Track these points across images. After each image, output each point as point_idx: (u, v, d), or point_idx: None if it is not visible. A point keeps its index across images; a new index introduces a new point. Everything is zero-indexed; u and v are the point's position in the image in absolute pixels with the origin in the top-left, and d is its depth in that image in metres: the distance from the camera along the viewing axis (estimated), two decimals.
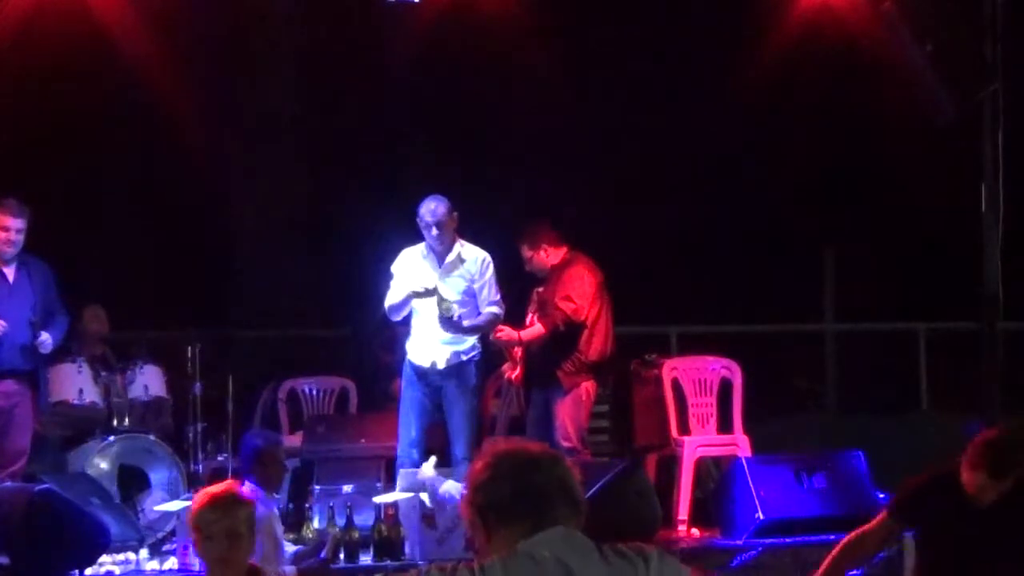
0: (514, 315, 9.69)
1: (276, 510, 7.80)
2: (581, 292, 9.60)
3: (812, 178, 13.31)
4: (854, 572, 6.71)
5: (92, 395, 9.80)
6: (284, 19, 13.05)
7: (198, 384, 10.05)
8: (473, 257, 9.31)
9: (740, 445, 10.05)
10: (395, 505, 8.57)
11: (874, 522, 6.40)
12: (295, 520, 9.18)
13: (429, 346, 9.24)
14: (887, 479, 9.89)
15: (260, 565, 6.00)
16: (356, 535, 8.43)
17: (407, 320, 9.32)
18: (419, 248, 9.32)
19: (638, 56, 12.71)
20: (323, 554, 7.88)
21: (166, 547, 9.26)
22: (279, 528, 7.69)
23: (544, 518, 3.76)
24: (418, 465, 9.22)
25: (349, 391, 11.02)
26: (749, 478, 9.38)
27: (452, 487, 8.33)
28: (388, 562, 8.43)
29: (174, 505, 8.85)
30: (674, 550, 9.08)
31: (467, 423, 9.24)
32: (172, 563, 8.82)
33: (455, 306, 9.15)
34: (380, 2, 11.59)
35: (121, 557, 8.83)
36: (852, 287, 13.61)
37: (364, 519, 8.66)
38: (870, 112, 12.72)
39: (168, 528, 9.28)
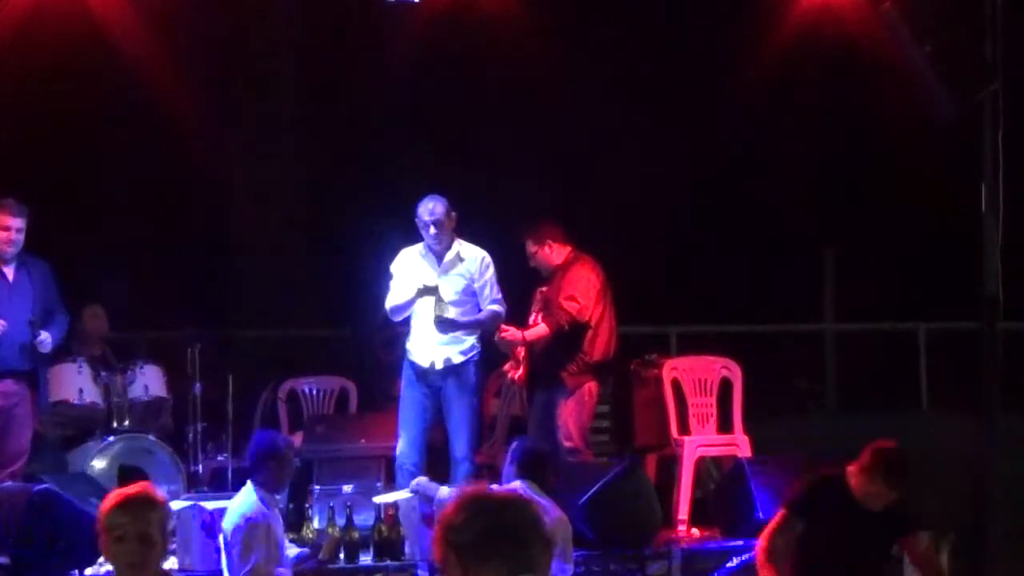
0: (515, 314, 9.69)
1: (279, 511, 7.79)
2: (585, 292, 9.60)
3: (812, 178, 13.31)
4: None
5: (92, 395, 9.80)
6: (284, 19, 13.05)
7: (198, 384, 10.06)
8: (472, 256, 9.31)
9: (740, 445, 10.05)
10: (395, 505, 8.57)
11: (776, 521, 7.07)
12: (295, 520, 9.17)
13: (429, 346, 9.24)
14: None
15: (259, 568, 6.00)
16: (356, 535, 8.43)
17: (407, 320, 9.32)
18: (418, 248, 9.32)
19: (638, 56, 12.71)
20: (313, 561, 7.88)
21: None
22: (279, 530, 7.68)
23: (521, 559, 3.80)
24: (418, 465, 9.22)
25: (349, 391, 11.02)
26: (749, 478, 9.39)
27: (447, 492, 8.32)
28: (388, 562, 8.43)
29: (174, 505, 8.84)
30: (674, 550, 9.10)
31: (467, 423, 9.24)
32: (172, 563, 8.81)
33: (449, 307, 9.15)
34: (380, 2, 11.59)
35: None
36: (852, 287, 13.61)
37: (364, 519, 8.66)
38: (870, 112, 12.71)
39: (168, 528, 9.26)
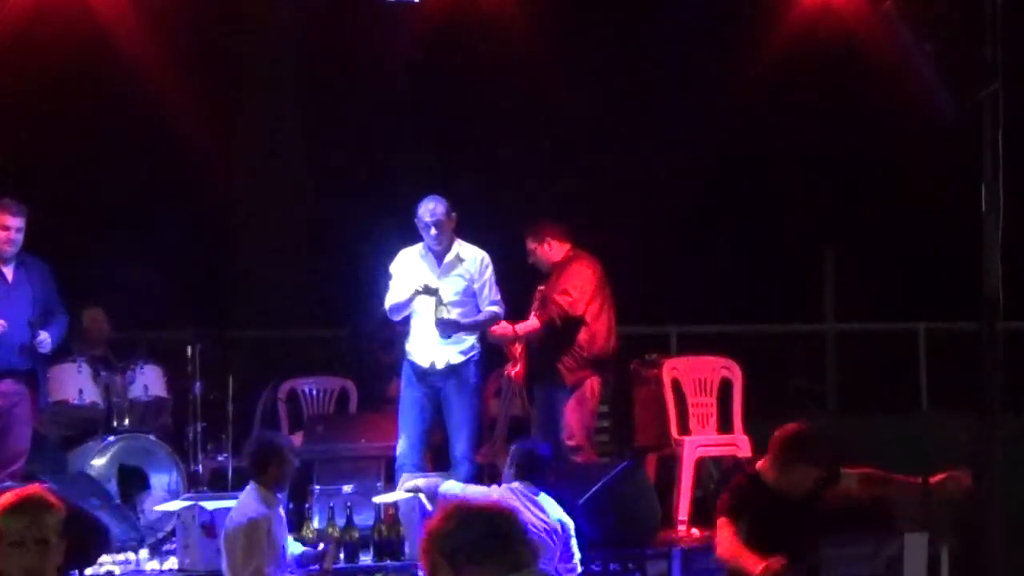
0: (516, 314, 9.69)
1: (280, 511, 7.79)
2: (578, 287, 9.60)
3: (812, 178, 13.30)
4: None
5: (92, 395, 9.81)
6: (284, 19, 13.04)
7: (198, 384, 10.06)
8: (472, 257, 9.31)
9: (740, 445, 10.06)
10: (395, 505, 8.57)
11: (730, 534, 6.94)
12: (295, 520, 9.18)
13: (428, 346, 9.24)
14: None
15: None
16: (356, 535, 8.43)
17: (406, 320, 9.32)
18: (417, 248, 9.32)
19: (638, 56, 12.70)
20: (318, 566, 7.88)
21: (166, 547, 9.27)
22: (280, 530, 7.68)
23: (516, 559, 3.88)
24: (418, 465, 9.22)
25: (349, 391, 11.02)
26: None
27: (452, 486, 8.32)
28: (388, 562, 8.43)
29: (174, 505, 8.85)
30: (674, 550, 9.10)
31: (466, 423, 9.24)
32: (172, 563, 8.82)
33: (450, 308, 9.15)
34: (380, 2, 11.59)
35: (121, 557, 8.84)
36: (852, 287, 13.60)
37: (364, 519, 8.66)
38: (870, 112, 12.71)
39: (168, 528, 9.28)
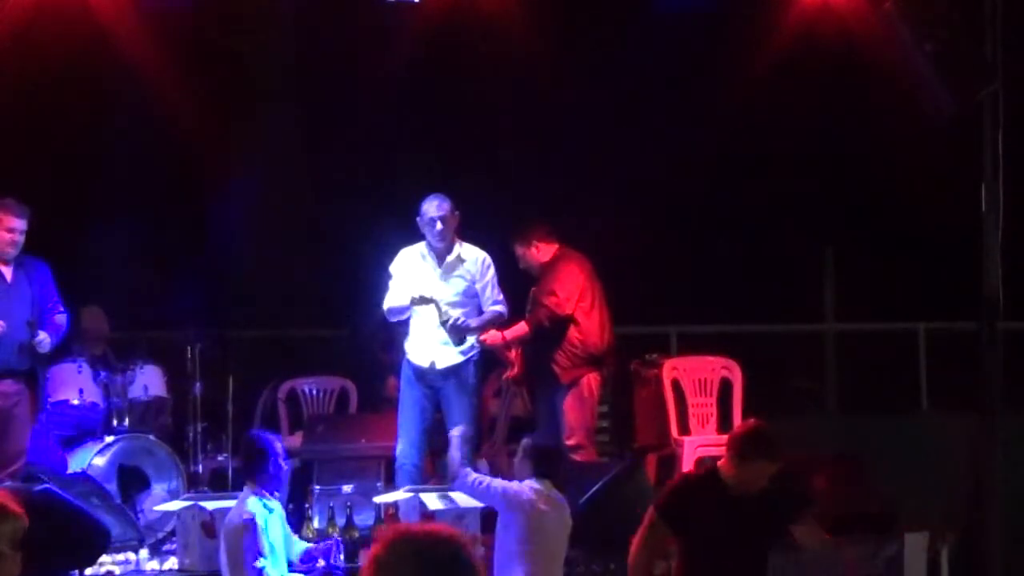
0: (517, 315, 9.69)
1: (280, 510, 7.79)
2: (564, 286, 9.60)
3: (812, 178, 13.29)
4: None
5: (92, 395, 9.81)
6: (284, 20, 13.03)
7: (198, 384, 10.07)
8: (473, 257, 9.31)
9: None
10: (395, 505, 8.57)
11: (644, 529, 6.91)
12: (295, 520, 9.17)
13: (428, 346, 9.24)
14: (887, 479, 9.90)
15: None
16: (356, 535, 8.43)
17: (406, 321, 9.32)
18: (418, 248, 9.32)
19: (638, 55, 12.69)
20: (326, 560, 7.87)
21: (166, 547, 9.27)
22: (279, 529, 7.68)
23: None
24: (418, 465, 9.22)
25: (349, 391, 11.02)
26: None
27: (477, 477, 8.28)
28: None
29: (174, 505, 8.86)
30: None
31: (467, 423, 9.24)
32: (172, 563, 8.83)
33: (450, 309, 9.15)
34: (380, 2, 11.58)
35: (121, 557, 8.84)
36: (852, 287, 13.60)
37: (364, 519, 8.66)
38: (870, 112, 12.70)
39: (168, 528, 9.28)
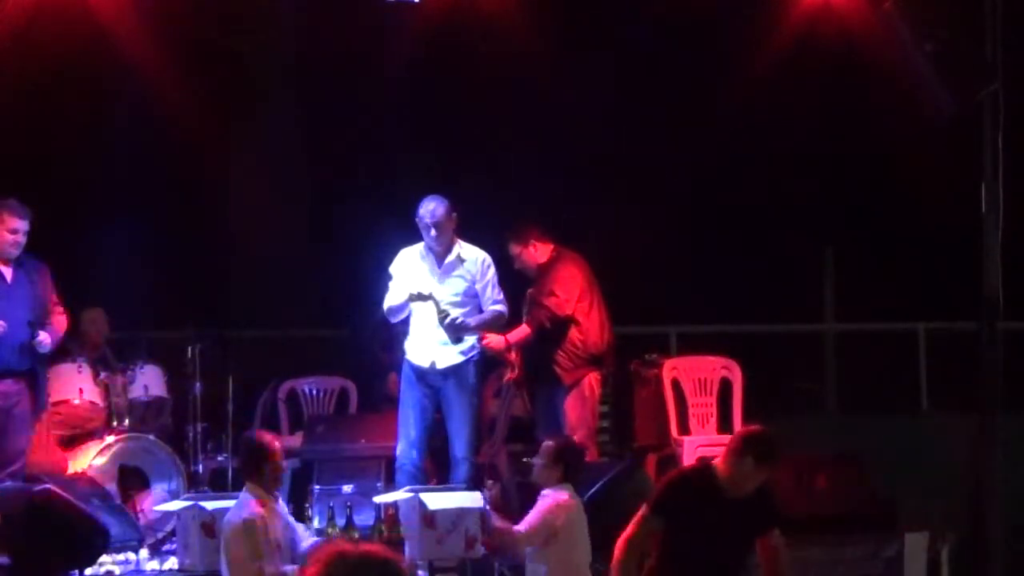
0: (517, 316, 9.69)
1: (280, 509, 7.79)
2: (564, 286, 9.60)
3: (812, 178, 13.30)
4: None
5: (92, 395, 9.81)
6: (284, 19, 13.03)
7: (198, 384, 10.07)
8: (473, 257, 9.30)
9: None
10: (395, 505, 8.57)
11: (636, 523, 7.00)
12: (295, 520, 9.18)
13: (428, 346, 9.24)
14: (887, 479, 9.90)
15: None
16: (356, 535, 8.42)
17: (406, 320, 9.32)
18: (418, 248, 9.32)
19: (638, 56, 12.69)
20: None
21: (166, 547, 9.28)
22: (279, 529, 7.68)
23: None
24: (418, 465, 9.22)
25: (349, 391, 11.02)
26: None
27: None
28: None
29: (174, 505, 8.85)
30: None
31: (466, 423, 9.24)
32: (172, 563, 8.83)
33: (449, 308, 9.15)
34: (380, 2, 11.58)
35: (121, 557, 8.85)
36: (852, 287, 13.60)
37: (364, 519, 8.65)
38: (870, 112, 12.70)
39: (168, 528, 9.29)
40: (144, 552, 9.04)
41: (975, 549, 8.96)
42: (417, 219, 9.20)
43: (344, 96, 12.77)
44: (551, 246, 9.82)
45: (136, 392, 10.00)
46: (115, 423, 9.91)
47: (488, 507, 8.23)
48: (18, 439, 9.21)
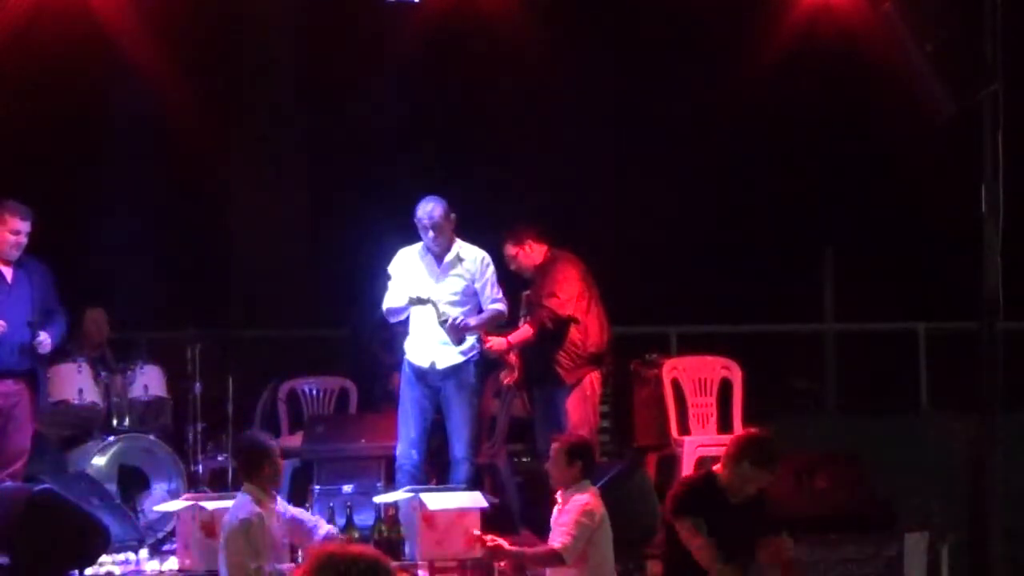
0: (515, 315, 9.68)
1: (279, 508, 7.79)
2: (564, 287, 9.59)
3: (812, 178, 13.30)
4: None
5: (92, 395, 9.81)
6: (284, 19, 13.05)
7: (198, 384, 10.06)
8: (472, 256, 9.30)
9: None
10: (395, 505, 8.57)
11: (692, 533, 7.11)
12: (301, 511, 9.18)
13: (428, 346, 9.23)
14: (887, 479, 9.90)
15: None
16: (356, 535, 8.43)
17: (406, 320, 9.32)
18: (417, 247, 9.32)
19: (639, 56, 12.70)
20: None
21: (166, 547, 9.28)
22: (278, 527, 7.68)
23: None
24: (418, 465, 9.22)
25: (349, 391, 11.02)
26: None
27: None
28: None
29: (174, 505, 8.86)
30: None
31: (466, 423, 9.24)
32: (172, 563, 8.83)
33: (448, 308, 9.15)
34: (380, 2, 11.59)
35: (121, 557, 8.85)
36: (852, 287, 13.60)
37: (364, 519, 8.65)
38: (870, 112, 12.71)
39: (168, 528, 9.29)
40: (144, 552, 9.04)
41: (975, 549, 8.96)
42: (415, 220, 9.20)
43: (344, 96, 12.78)
44: (546, 247, 9.82)
45: (136, 392, 10.00)
46: (115, 423, 9.91)
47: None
48: (18, 439, 9.20)
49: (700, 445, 10.10)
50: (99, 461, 9.66)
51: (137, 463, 9.79)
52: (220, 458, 10.20)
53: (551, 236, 9.91)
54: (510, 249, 9.81)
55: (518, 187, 12.42)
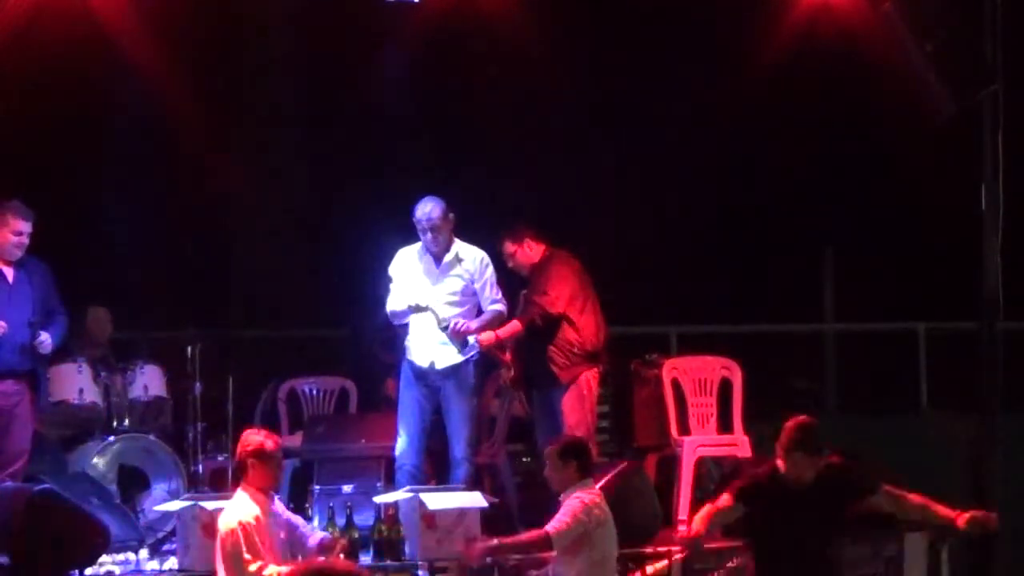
0: (510, 317, 9.68)
1: (277, 509, 7.79)
2: (556, 285, 9.60)
3: (812, 178, 13.30)
4: None
5: (92, 395, 9.81)
6: (284, 19, 13.04)
7: (198, 384, 10.06)
8: (471, 256, 9.31)
9: (740, 445, 10.06)
10: (395, 505, 8.57)
11: (720, 503, 7.56)
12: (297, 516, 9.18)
13: (427, 346, 9.24)
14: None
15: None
16: (356, 535, 8.43)
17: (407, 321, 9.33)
18: (416, 248, 9.32)
19: (639, 55, 12.70)
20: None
21: (166, 547, 9.28)
22: (275, 527, 7.68)
23: None
24: (417, 465, 9.22)
25: (349, 391, 11.02)
26: None
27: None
28: (388, 562, 8.43)
29: (174, 505, 8.85)
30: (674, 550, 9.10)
31: (466, 423, 9.24)
32: (172, 563, 8.83)
33: (452, 310, 9.16)
34: (380, 2, 11.59)
35: (121, 557, 8.85)
36: (852, 287, 13.60)
37: (364, 519, 8.66)
38: (870, 112, 12.71)
39: (168, 528, 9.29)
40: (144, 552, 9.04)
41: (975, 549, 8.96)
42: (414, 221, 9.20)
43: (344, 96, 12.78)
44: (544, 246, 9.82)
45: (136, 392, 10.00)
46: (115, 423, 9.91)
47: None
48: (19, 439, 9.20)
49: (700, 445, 10.09)
50: (99, 461, 9.66)
51: (137, 463, 9.79)
52: (220, 458, 10.20)
53: (550, 236, 9.91)
54: (508, 247, 9.82)
55: (518, 187, 12.41)
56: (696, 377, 10.34)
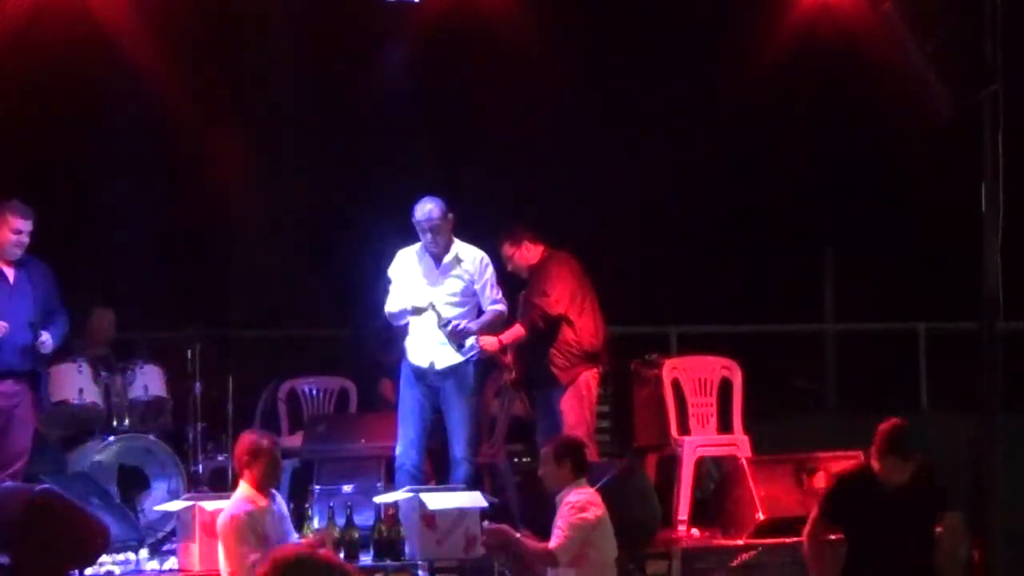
0: (514, 315, 9.68)
1: (276, 507, 7.80)
2: (555, 286, 9.61)
3: (812, 178, 13.30)
4: None
5: (92, 395, 9.81)
6: (284, 19, 13.03)
7: (198, 384, 10.07)
8: (471, 257, 9.31)
9: (740, 445, 10.07)
10: (395, 505, 8.57)
11: (810, 523, 7.60)
12: (295, 520, 9.17)
13: (427, 346, 9.24)
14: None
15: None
16: (356, 535, 8.43)
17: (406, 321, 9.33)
18: (415, 248, 9.33)
19: (638, 55, 12.69)
20: None
21: (166, 547, 9.28)
22: (273, 526, 7.70)
23: None
24: (417, 465, 9.22)
25: (349, 391, 11.02)
26: (749, 478, 9.39)
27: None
28: (388, 562, 8.43)
29: (174, 505, 8.86)
30: (674, 550, 9.11)
31: (466, 423, 9.24)
32: (172, 563, 8.83)
33: (452, 311, 9.16)
34: (380, 2, 11.59)
35: (121, 557, 8.85)
36: (852, 287, 13.60)
37: (364, 519, 8.66)
38: (870, 112, 12.71)
39: (168, 528, 9.29)
40: (144, 552, 9.05)
41: (975, 549, 8.95)
42: (414, 221, 9.20)
43: (344, 96, 12.77)
44: (541, 247, 9.83)
45: (136, 392, 10.00)
46: (115, 423, 9.91)
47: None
48: (19, 440, 9.21)
49: (700, 445, 10.10)
50: (99, 461, 9.65)
51: (137, 463, 9.79)
52: (220, 458, 10.20)
53: (549, 237, 9.92)
54: (507, 249, 9.83)
55: (517, 187, 12.42)
56: (696, 377, 10.35)
